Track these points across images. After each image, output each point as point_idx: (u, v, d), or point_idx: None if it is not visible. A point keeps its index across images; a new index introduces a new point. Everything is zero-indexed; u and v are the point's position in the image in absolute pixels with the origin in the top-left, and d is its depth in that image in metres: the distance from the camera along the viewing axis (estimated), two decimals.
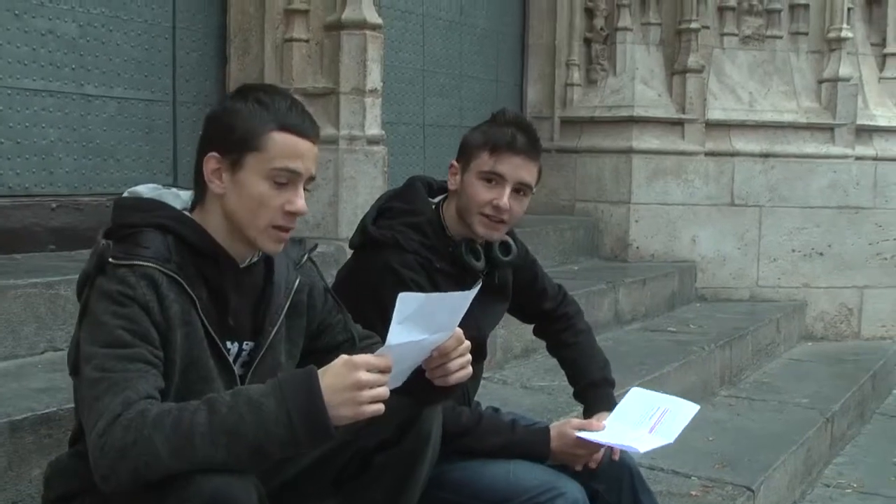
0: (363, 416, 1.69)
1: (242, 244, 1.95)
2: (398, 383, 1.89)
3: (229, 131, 1.90)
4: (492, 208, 2.45)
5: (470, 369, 1.97)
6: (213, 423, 1.65)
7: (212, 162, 1.91)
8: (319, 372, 1.70)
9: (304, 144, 1.92)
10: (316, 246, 2.25)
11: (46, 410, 2.44)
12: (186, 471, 1.66)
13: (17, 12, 3.76)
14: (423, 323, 1.78)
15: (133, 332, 1.77)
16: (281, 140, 1.89)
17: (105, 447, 1.67)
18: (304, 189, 1.95)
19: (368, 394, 1.68)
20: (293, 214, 1.92)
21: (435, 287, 2.43)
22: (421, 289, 2.39)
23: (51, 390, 2.61)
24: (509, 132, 2.45)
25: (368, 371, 1.68)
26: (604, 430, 2.51)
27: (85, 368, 1.78)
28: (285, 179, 1.90)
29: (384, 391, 1.71)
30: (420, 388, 1.96)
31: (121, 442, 1.66)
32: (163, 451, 1.64)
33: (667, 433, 2.50)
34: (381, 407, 1.70)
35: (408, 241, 2.47)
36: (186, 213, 1.97)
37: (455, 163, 2.54)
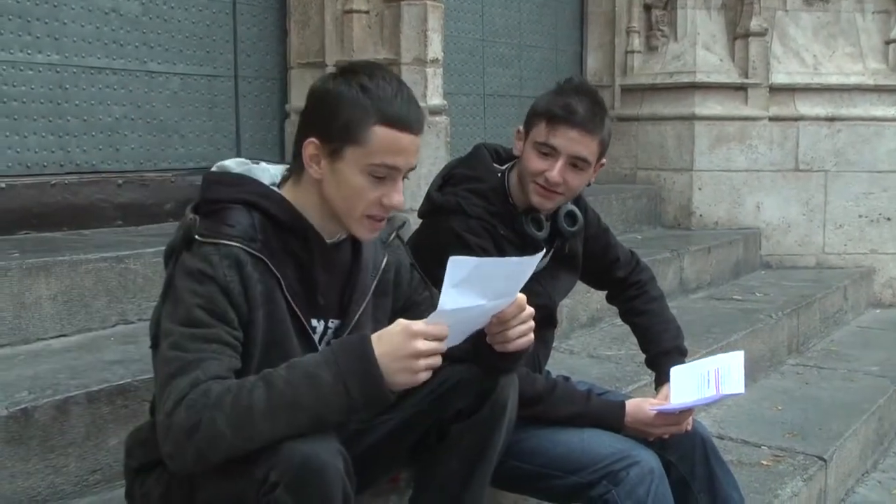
0: (416, 384, 1.70)
1: (335, 224, 1.94)
2: (454, 343, 1.86)
3: (331, 118, 1.86)
4: (543, 179, 2.41)
5: (531, 337, 1.93)
6: (271, 398, 1.66)
7: (311, 148, 1.87)
8: (375, 337, 1.70)
9: (405, 139, 1.87)
10: (405, 223, 2.21)
11: (121, 382, 2.49)
12: (247, 449, 1.67)
13: None
14: (477, 288, 1.74)
15: (211, 312, 1.77)
16: (382, 135, 1.84)
17: (171, 428, 1.70)
18: (403, 178, 1.92)
19: (424, 363, 1.68)
20: (389, 208, 1.90)
21: (501, 253, 2.41)
22: (487, 254, 2.37)
23: (125, 362, 2.65)
24: (568, 104, 2.37)
25: (425, 339, 1.68)
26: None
27: (162, 344, 1.80)
28: (384, 174, 1.86)
29: (438, 360, 1.71)
30: (485, 353, 1.95)
31: (185, 423, 1.68)
32: (226, 430, 1.66)
33: (734, 385, 2.47)
34: (430, 374, 1.71)
35: (471, 207, 2.46)
36: (275, 188, 1.95)
37: (521, 129, 2.50)
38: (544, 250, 1.95)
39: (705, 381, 2.51)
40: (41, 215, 3.62)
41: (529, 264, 1.84)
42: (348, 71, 1.93)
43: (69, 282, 2.96)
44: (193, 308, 1.77)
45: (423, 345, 1.67)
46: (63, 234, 3.61)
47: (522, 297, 1.89)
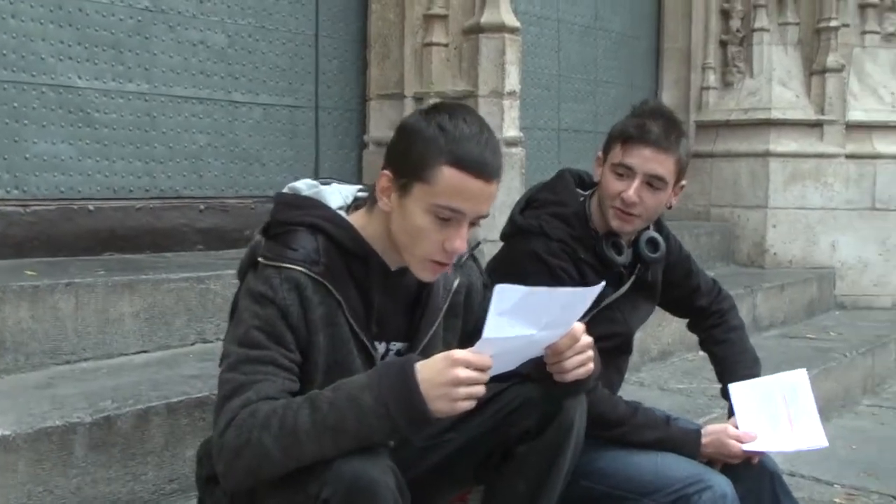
0: (456, 412, 1.69)
1: (399, 255, 1.92)
2: (506, 368, 1.83)
3: (405, 153, 1.85)
4: (620, 201, 2.42)
5: (590, 367, 1.92)
6: (315, 421, 1.68)
7: (384, 180, 1.87)
8: (420, 364, 1.70)
9: (475, 185, 1.81)
10: (479, 244, 2.16)
11: (199, 395, 2.56)
12: (296, 468, 1.70)
13: (171, 24, 3.96)
14: (526, 318, 1.71)
15: (268, 335, 1.81)
16: (450, 177, 1.80)
17: (222, 448, 1.74)
18: (473, 224, 1.86)
19: (465, 391, 1.67)
20: (451, 253, 1.86)
21: (581, 276, 2.44)
22: (569, 276, 2.41)
23: (203, 377, 2.72)
24: (642, 123, 2.39)
25: (467, 368, 1.67)
26: (756, 438, 2.48)
27: (222, 365, 1.85)
28: (448, 217, 1.82)
29: (480, 389, 1.69)
30: (545, 380, 1.94)
31: (235, 442, 1.72)
32: (273, 450, 1.69)
33: (812, 428, 2.47)
34: (473, 403, 1.70)
35: (553, 230, 2.48)
36: (342, 212, 1.97)
37: (600, 154, 2.53)
38: (604, 283, 1.94)
39: (774, 406, 2.50)
40: (126, 237, 3.75)
41: (586, 295, 1.82)
42: (433, 109, 1.92)
43: (151, 300, 3.06)
44: (251, 329, 1.81)
45: (463, 373, 1.66)
46: (146, 256, 3.73)
47: (580, 326, 1.88)
